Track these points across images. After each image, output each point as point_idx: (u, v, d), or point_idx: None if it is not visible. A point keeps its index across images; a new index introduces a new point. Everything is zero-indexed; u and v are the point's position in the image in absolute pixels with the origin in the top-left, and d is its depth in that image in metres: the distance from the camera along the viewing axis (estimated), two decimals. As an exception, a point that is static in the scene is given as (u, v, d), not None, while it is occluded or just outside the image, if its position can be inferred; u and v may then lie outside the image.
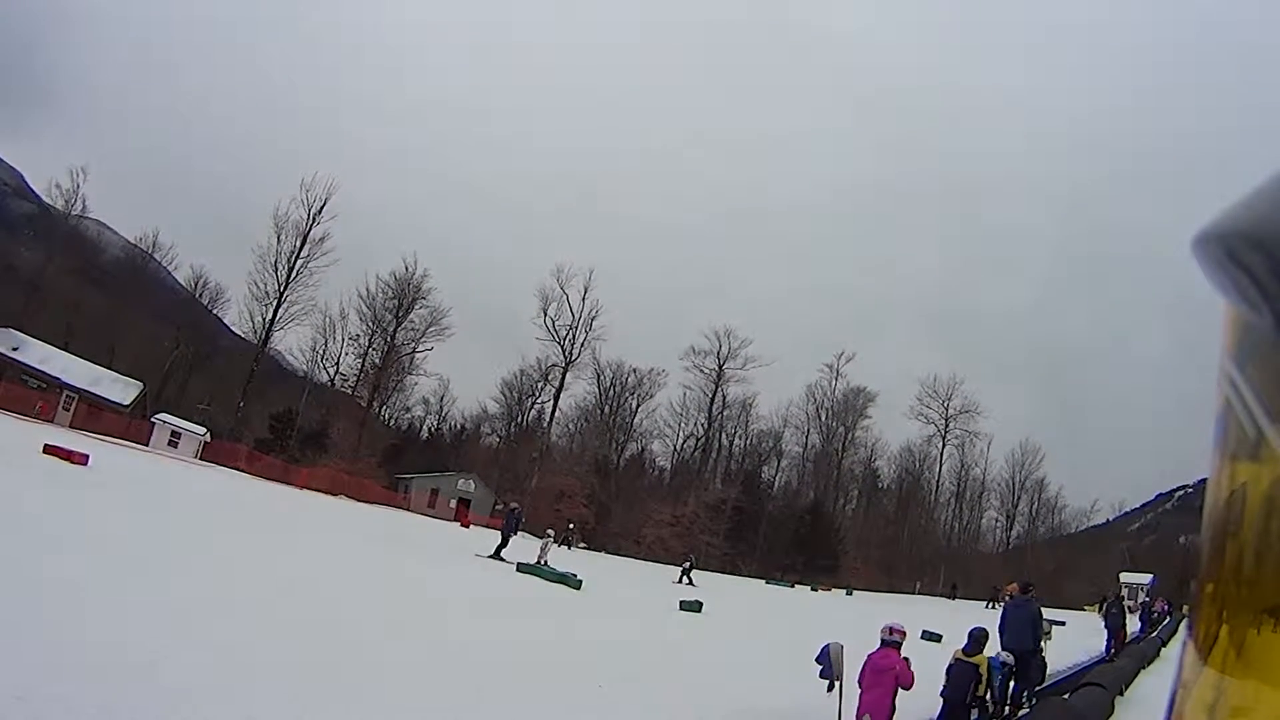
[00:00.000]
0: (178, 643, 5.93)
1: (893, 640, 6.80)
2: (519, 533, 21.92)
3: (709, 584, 27.94)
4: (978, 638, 7.87)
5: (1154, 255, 72.01)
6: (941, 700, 7.58)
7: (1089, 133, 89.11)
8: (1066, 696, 9.24)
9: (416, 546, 19.75)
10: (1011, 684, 9.15)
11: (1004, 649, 9.18)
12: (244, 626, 7.08)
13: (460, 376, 71.71)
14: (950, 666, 7.73)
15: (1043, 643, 10.58)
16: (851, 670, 6.89)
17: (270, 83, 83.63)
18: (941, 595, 47.08)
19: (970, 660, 7.68)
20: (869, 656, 6.81)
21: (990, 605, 35.87)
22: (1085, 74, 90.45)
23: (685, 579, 28.17)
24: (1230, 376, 0.62)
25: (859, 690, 6.68)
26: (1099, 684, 9.61)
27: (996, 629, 9.65)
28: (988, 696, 7.86)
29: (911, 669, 6.70)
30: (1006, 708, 8.84)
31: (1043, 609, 10.39)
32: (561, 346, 60.91)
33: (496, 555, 19.56)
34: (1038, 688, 10.13)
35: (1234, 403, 0.61)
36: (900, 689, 6.56)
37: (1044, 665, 10.63)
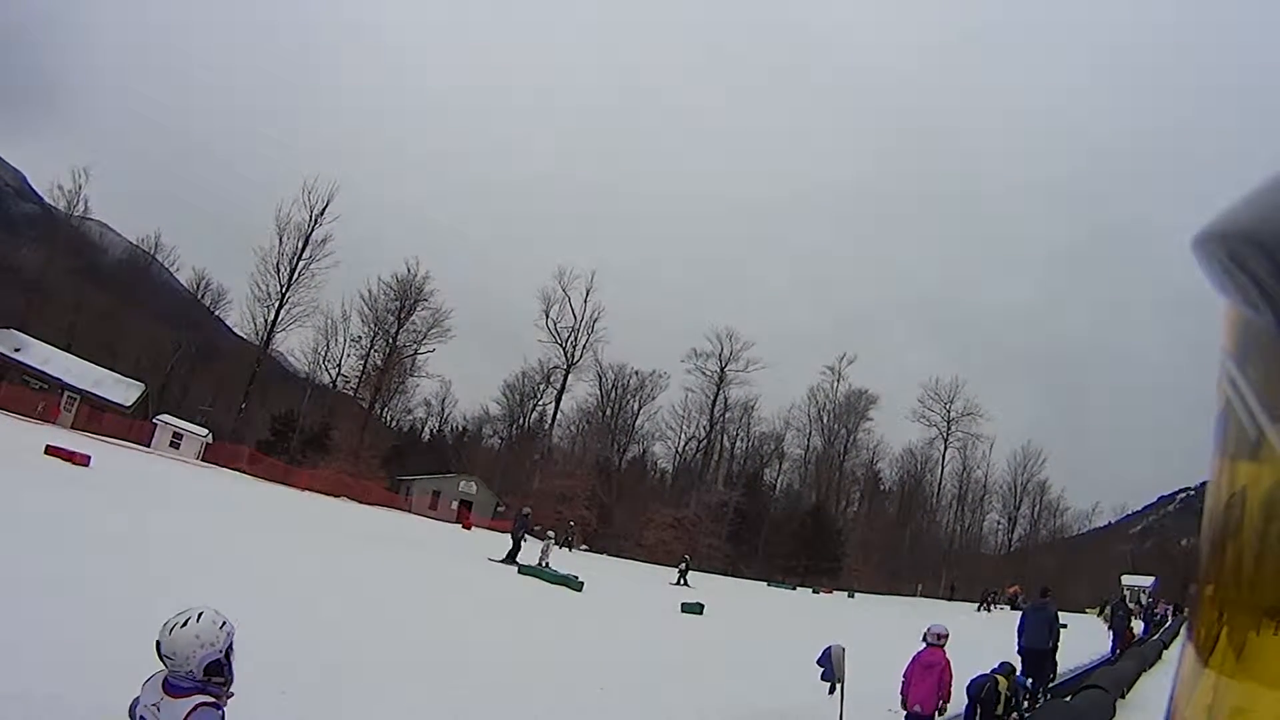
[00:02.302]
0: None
1: (937, 641, 7.54)
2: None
3: (711, 586, 27.96)
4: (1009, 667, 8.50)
5: (1155, 255, 72.03)
6: (967, 698, 8.05)
7: (1090, 131, 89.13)
8: (1069, 698, 9.25)
9: (417, 548, 19.72)
10: (1029, 680, 9.59)
11: (1022, 648, 9.87)
12: (244, 627, 7.07)
13: (462, 378, 71.87)
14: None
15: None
16: (888, 667, 7.48)
17: (272, 83, 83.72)
18: (940, 598, 47.02)
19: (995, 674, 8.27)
20: (916, 655, 7.52)
21: (981, 608, 35.13)
22: (1086, 73, 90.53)
23: (681, 580, 28.46)
24: (1231, 376, 0.61)
25: (906, 684, 7.36)
26: (1101, 686, 9.59)
27: (1016, 630, 9.99)
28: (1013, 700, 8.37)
29: (952, 667, 7.36)
30: (1025, 702, 9.13)
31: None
32: (563, 348, 61.07)
33: (510, 560, 19.31)
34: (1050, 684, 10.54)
35: (1234, 403, 0.60)
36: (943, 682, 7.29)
37: (1055, 664, 11.12)
